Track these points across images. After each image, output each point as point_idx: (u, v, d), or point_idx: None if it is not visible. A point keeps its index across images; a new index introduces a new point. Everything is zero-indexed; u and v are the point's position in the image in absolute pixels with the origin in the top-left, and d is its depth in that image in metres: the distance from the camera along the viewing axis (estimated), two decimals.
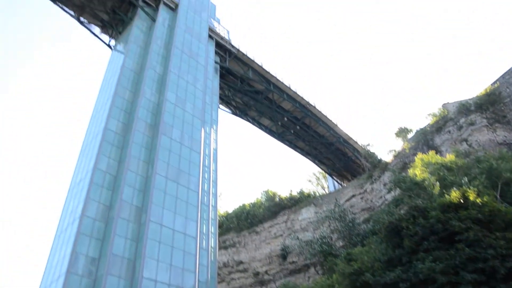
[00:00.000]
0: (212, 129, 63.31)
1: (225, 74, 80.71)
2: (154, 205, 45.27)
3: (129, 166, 47.43)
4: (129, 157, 48.15)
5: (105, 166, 47.45)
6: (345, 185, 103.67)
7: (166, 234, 44.46)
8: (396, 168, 78.13)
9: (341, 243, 70.73)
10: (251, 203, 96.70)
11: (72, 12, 71.84)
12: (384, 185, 78.10)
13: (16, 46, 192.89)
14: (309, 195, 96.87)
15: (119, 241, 41.79)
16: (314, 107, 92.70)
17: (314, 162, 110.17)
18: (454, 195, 40.43)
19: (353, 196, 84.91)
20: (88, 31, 73.97)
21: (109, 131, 50.40)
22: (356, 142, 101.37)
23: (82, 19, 72.69)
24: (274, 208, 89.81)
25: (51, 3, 69.85)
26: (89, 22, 73.55)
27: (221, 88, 77.95)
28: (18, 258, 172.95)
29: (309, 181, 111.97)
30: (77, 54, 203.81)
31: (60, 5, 70.77)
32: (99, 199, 44.66)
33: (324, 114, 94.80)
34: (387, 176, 77.93)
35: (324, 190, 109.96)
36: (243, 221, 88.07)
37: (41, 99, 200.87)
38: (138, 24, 66.21)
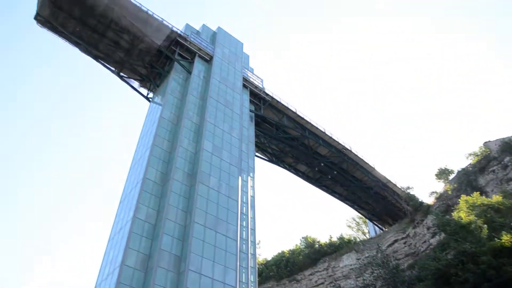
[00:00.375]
0: (249, 176, 63.44)
1: (260, 122, 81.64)
2: (193, 254, 45.04)
3: (167, 215, 47.77)
4: (168, 206, 48.58)
5: (144, 215, 48.00)
6: (386, 229, 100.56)
7: (205, 284, 43.88)
8: (439, 211, 75.44)
9: None
10: (290, 250, 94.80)
11: (113, 68, 75.50)
12: (428, 229, 75.35)
13: (60, 97, 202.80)
14: (349, 241, 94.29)
15: None
16: (350, 151, 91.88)
17: (353, 207, 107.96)
18: (506, 238, 38.39)
19: (396, 241, 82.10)
20: (128, 85, 77.17)
21: (148, 180, 51.34)
22: (395, 185, 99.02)
23: (122, 74, 76.11)
24: (314, 255, 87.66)
25: (94, 60, 74.01)
26: (129, 77, 76.89)
27: (256, 135, 78.69)
28: None
29: (349, 226, 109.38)
30: (117, 106, 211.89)
31: (102, 62, 74.70)
32: (139, 248, 44.90)
33: (361, 157, 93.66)
34: (430, 220, 75.27)
35: (364, 235, 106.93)
36: (283, 269, 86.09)
37: (83, 149, 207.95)
38: (175, 76, 68.72)
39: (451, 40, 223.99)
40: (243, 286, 49.11)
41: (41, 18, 68.46)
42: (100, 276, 45.92)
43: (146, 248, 45.53)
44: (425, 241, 75.11)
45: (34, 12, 67.90)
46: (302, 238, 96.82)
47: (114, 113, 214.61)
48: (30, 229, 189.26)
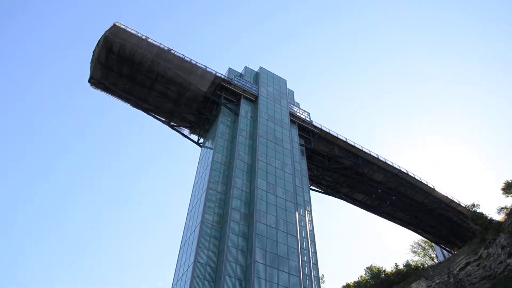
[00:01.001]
0: (306, 210, 63.15)
1: (311, 154, 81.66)
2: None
3: (228, 257, 48.23)
4: (228, 247, 49.12)
5: (205, 259, 48.74)
6: (455, 252, 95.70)
7: None
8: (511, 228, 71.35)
9: None
10: (355, 282, 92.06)
11: (163, 119, 78.80)
12: (502, 248, 71.20)
13: (113, 149, 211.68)
14: (417, 267, 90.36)
15: None
16: (407, 174, 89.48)
17: (416, 231, 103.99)
18: None
19: (468, 263, 77.91)
20: (179, 133, 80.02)
21: (206, 224, 52.34)
22: (459, 204, 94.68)
23: (172, 123, 79.19)
24: (381, 285, 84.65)
25: (145, 114, 77.89)
26: (179, 126, 79.80)
27: (309, 168, 78.59)
28: None
29: (414, 251, 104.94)
30: (170, 155, 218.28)
31: (152, 114, 78.35)
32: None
33: (419, 179, 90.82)
34: (503, 238, 71.22)
35: (432, 260, 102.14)
36: None
37: (139, 198, 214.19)
38: (223, 119, 70.70)
39: None
40: None
41: (94, 81, 73.33)
42: None
43: None
44: (501, 262, 70.87)
45: (87, 76, 73.03)
46: (367, 268, 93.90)
47: (168, 163, 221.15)
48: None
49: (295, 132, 77.05)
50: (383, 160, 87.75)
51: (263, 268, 48.20)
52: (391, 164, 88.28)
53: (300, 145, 76.68)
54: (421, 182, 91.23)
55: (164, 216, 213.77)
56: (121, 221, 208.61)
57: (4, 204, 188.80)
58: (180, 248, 55.45)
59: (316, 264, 56.34)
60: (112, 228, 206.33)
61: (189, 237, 53.98)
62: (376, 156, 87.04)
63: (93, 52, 70.35)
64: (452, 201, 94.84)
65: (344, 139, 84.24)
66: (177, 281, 49.90)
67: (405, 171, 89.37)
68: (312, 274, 54.21)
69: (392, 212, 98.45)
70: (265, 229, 52.75)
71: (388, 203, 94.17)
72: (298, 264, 51.40)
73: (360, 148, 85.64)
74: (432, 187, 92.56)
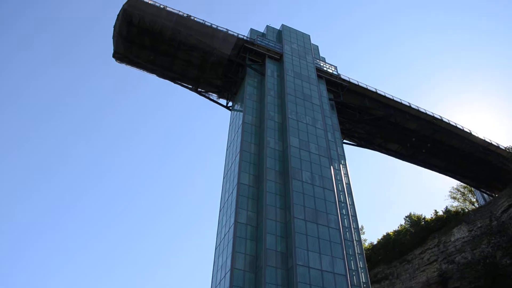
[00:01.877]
0: (341, 164, 62.97)
1: (342, 108, 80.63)
2: (298, 249, 45.80)
3: (267, 215, 49.06)
4: (266, 206, 49.88)
5: (245, 219, 49.78)
6: (496, 195, 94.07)
7: (315, 276, 44.36)
8: None
9: (508, 261, 63.59)
10: (395, 231, 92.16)
11: (190, 86, 79.03)
12: None
13: (143, 121, 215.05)
14: (457, 213, 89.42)
15: None
16: (441, 120, 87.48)
17: (454, 177, 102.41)
18: None
19: (510, 206, 76.60)
20: (207, 99, 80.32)
21: (243, 185, 53.18)
22: (498, 147, 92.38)
23: (199, 89, 79.38)
24: (422, 232, 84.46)
25: (171, 82, 78.31)
26: (206, 91, 79.92)
27: (341, 123, 77.84)
28: None
29: (454, 197, 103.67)
30: (200, 122, 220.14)
31: (179, 82, 78.58)
32: (245, 251, 46.67)
33: (454, 124, 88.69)
34: None
35: (473, 204, 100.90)
36: (391, 251, 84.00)
37: (176, 168, 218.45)
38: (249, 81, 70.40)
39: None
40: (353, 273, 48.86)
41: (118, 55, 73.89)
42: (214, 282, 48.39)
43: (252, 250, 47.21)
44: None
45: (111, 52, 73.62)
46: (406, 217, 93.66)
47: (198, 131, 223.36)
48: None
49: (323, 87, 76.01)
50: (416, 108, 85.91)
51: (302, 223, 48.84)
52: (424, 111, 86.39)
53: (330, 99, 75.73)
54: (456, 127, 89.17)
55: (200, 181, 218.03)
56: (158, 190, 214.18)
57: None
58: (220, 211, 56.74)
59: (354, 216, 56.63)
60: (150, 197, 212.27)
61: (227, 199, 55.05)
62: (408, 104, 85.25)
63: (114, 27, 70.56)
64: (491, 144, 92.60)
65: (374, 90, 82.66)
66: (220, 242, 51.36)
67: (439, 117, 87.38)
68: (352, 226, 54.59)
69: (428, 159, 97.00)
70: (301, 185, 53.12)
71: (423, 151, 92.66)
72: (337, 217, 51.86)
73: (391, 97, 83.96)
74: (468, 131, 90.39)
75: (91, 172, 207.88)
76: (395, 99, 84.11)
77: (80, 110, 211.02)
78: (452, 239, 76.97)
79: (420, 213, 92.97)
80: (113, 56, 74.40)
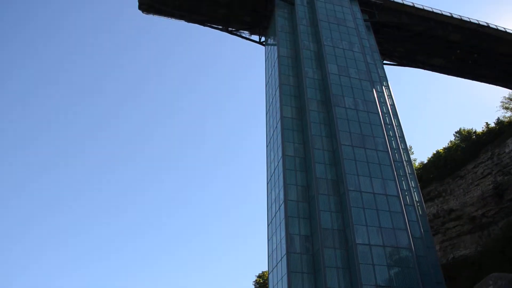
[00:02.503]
0: (383, 86, 61.45)
1: (378, 28, 77.26)
2: (348, 175, 46.15)
3: (314, 145, 49.30)
4: (311, 136, 50.00)
5: (292, 151, 50.35)
6: None
7: (367, 199, 44.89)
8: None
9: None
10: (445, 147, 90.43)
11: (220, 27, 77.77)
12: None
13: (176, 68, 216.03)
14: (510, 123, 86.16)
15: (325, 216, 43.82)
16: (488, 26, 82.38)
17: (506, 86, 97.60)
18: None
19: None
20: (239, 37, 79.03)
21: (286, 118, 53.33)
22: None
23: (230, 28, 77.99)
24: (473, 146, 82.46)
25: (199, 25, 77.42)
26: (237, 30, 78.44)
27: (379, 43, 74.80)
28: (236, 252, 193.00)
29: (506, 107, 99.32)
30: (235, 62, 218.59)
31: (208, 24, 77.41)
32: (296, 182, 47.61)
33: (502, 29, 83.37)
34: None
35: None
36: (442, 168, 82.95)
37: (220, 112, 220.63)
38: (279, 13, 68.37)
39: None
40: (406, 193, 48.97)
41: (144, 6, 73.03)
42: (269, 214, 50.12)
43: (303, 180, 48.09)
44: None
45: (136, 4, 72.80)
46: (455, 132, 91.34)
47: (234, 71, 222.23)
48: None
49: (356, 8, 72.66)
50: (458, 17, 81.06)
51: (350, 149, 48.81)
52: (467, 20, 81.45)
53: (364, 20, 72.50)
54: (505, 32, 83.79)
55: (243, 121, 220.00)
56: (201, 133, 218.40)
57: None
58: (266, 146, 57.56)
59: (402, 137, 55.88)
60: (199, 142, 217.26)
61: (273, 134, 55.54)
62: (449, 15, 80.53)
63: None
64: None
65: (411, 4, 78.28)
66: (271, 176, 52.54)
67: (485, 24, 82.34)
68: (400, 147, 54.00)
69: (476, 70, 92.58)
70: (345, 112, 52.57)
71: (470, 62, 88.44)
72: (384, 139, 51.38)
73: (430, 9, 79.42)
74: None
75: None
76: (434, 11, 79.59)
77: (106, 59, 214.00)
78: (507, 150, 74.81)
79: (471, 127, 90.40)
80: (139, 8, 73.59)
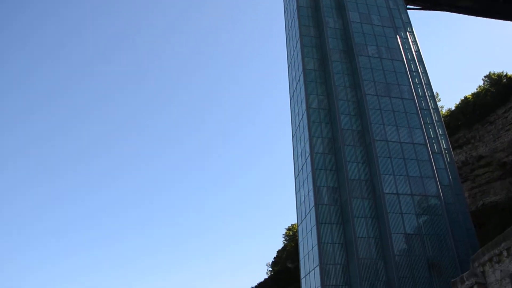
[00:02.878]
0: (407, 32, 59.30)
1: None
2: (373, 125, 45.59)
3: (338, 96, 48.60)
4: (335, 87, 49.24)
5: (316, 103, 49.80)
6: None
7: (394, 149, 44.47)
8: None
9: None
10: (473, 93, 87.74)
11: None
12: None
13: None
14: None
15: (352, 167, 43.74)
16: None
17: None
18: None
19: None
20: None
21: (308, 70, 52.40)
22: None
23: None
24: (503, 90, 79.59)
25: None
26: None
27: None
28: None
29: None
30: (249, 13, 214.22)
31: None
32: (321, 134, 47.31)
33: None
34: None
35: None
36: (471, 115, 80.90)
37: (244, 66, 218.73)
38: None
39: None
40: (433, 141, 48.18)
41: None
42: (296, 167, 50.32)
43: (328, 132, 47.74)
44: None
45: None
46: (484, 77, 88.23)
47: (253, 24, 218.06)
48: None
49: None
50: None
51: (374, 99, 48.02)
52: None
53: None
54: None
55: (266, 75, 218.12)
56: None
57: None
58: (290, 100, 57.12)
59: (428, 83, 54.38)
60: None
61: (296, 87, 54.89)
62: None
63: None
64: None
65: None
66: (296, 129, 52.44)
67: None
68: (426, 94, 52.69)
69: (507, 9, 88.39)
70: (368, 60, 51.34)
71: (500, 1, 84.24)
72: (410, 87, 50.21)
73: None
74: None
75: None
76: None
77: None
78: None
79: (501, 71, 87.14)
80: None
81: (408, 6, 76.13)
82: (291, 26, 62.29)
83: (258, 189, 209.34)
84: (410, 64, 54.47)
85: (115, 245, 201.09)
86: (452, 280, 26.57)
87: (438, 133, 49.28)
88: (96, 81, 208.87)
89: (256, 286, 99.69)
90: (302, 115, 50.09)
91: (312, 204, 43.04)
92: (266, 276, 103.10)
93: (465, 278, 26.52)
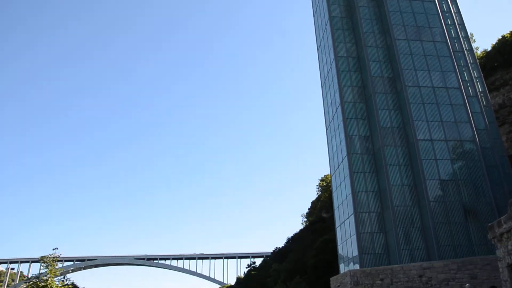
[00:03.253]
0: None
1: None
2: (405, 71, 44.26)
3: (366, 43, 47.25)
4: (363, 34, 47.75)
5: (345, 51, 48.66)
6: None
7: (426, 94, 43.28)
8: None
9: None
10: None
11: None
12: None
13: None
14: None
15: (383, 114, 42.96)
16: None
17: None
18: None
19: None
20: None
21: (335, 18, 50.94)
22: None
23: None
24: None
25: None
26: None
27: None
28: None
29: None
30: None
31: None
32: (351, 83, 46.40)
33: None
34: None
35: None
36: (508, 55, 77.39)
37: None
38: None
39: None
40: (468, 84, 46.54)
41: None
42: (327, 118, 49.63)
43: (358, 81, 46.84)
44: None
45: None
46: None
47: None
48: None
49: None
50: None
51: (405, 43, 46.41)
52: None
53: None
54: None
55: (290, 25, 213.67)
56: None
57: None
58: (317, 50, 56.11)
59: (462, 24, 52.00)
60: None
61: (322, 35, 54.04)
62: None
63: None
64: None
65: None
66: (325, 79, 51.76)
67: None
68: (460, 35, 50.50)
69: None
70: (397, 3, 49.47)
71: None
72: (442, 29, 48.09)
73: None
74: None
75: None
76: None
77: None
78: None
79: None
80: None
81: None
82: None
83: (290, 142, 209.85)
84: (442, 4, 52.04)
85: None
86: (489, 224, 26.12)
87: (473, 75, 47.52)
88: None
89: (292, 236, 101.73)
90: (331, 65, 49.07)
91: (345, 153, 42.81)
92: (302, 227, 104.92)
93: (502, 222, 26.06)
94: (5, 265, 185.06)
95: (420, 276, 33.84)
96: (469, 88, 46.23)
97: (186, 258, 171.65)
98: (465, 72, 47.36)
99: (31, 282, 16.73)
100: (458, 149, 41.12)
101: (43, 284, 16.30)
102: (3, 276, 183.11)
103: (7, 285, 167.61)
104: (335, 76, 46.72)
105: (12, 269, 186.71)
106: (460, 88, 44.17)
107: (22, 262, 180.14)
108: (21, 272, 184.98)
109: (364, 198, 40.69)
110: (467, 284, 22.58)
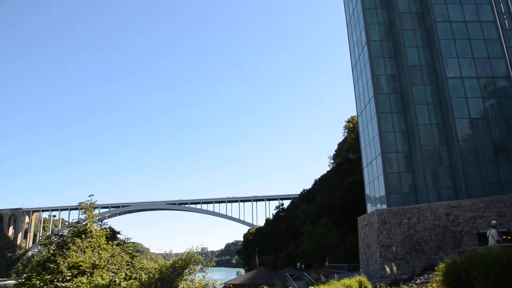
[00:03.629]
0: None
1: None
2: (434, 5, 42.17)
3: None
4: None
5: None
6: None
7: (457, 29, 41.14)
8: None
9: None
10: None
11: None
12: None
13: None
14: None
15: (411, 52, 41.49)
16: None
17: None
18: None
19: None
20: None
21: None
22: None
23: None
24: None
25: None
26: None
27: None
28: None
29: None
30: None
31: None
32: (377, 20, 44.70)
33: None
34: None
35: None
36: None
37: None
38: None
39: None
40: (504, 17, 43.78)
41: None
42: (353, 57, 48.48)
43: (384, 18, 45.33)
44: None
45: None
46: None
47: None
48: None
49: None
50: None
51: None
52: None
53: None
54: None
55: None
56: None
57: None
58: None
59: None
60: None
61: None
62: None
63: None
64: None
65: None
66: (350, 18, 50.25)
67: None
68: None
69: None
70: None
71: None
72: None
73: None
74: None
75: None
76: None
77: None
78: None
79: None
80: None
81: None
82: None
83: (317, 84, 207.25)
84: None
85: None
86: None
87: (510, 7, 44.58)
88: None
89: (319, 178, 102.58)
90: (356, 1, 47.13)
91: (372, 93, 41.97)
92: (329, 169, 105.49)
93: None
94: (47, 213, 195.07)
95: (448, 215, 33.85)
96: (506, 21, 43.55)
97: (216, 202, 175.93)
98: (501, 4, 44.40)
99: (72, 227, 17.63)
100: (490, 86, 39.58)
101: (83, 228, 17.16)
102: (47, 223, 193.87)
103: (51, 231, 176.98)
104: (361, 14, 44.85)
105: (54, 216, 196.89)
106: (495, 21, 41.58)
107: (62, 210, 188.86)
108: (62, 218, 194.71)
109: (392, 138, 40.24)
110: (493, 221, 22.47)
